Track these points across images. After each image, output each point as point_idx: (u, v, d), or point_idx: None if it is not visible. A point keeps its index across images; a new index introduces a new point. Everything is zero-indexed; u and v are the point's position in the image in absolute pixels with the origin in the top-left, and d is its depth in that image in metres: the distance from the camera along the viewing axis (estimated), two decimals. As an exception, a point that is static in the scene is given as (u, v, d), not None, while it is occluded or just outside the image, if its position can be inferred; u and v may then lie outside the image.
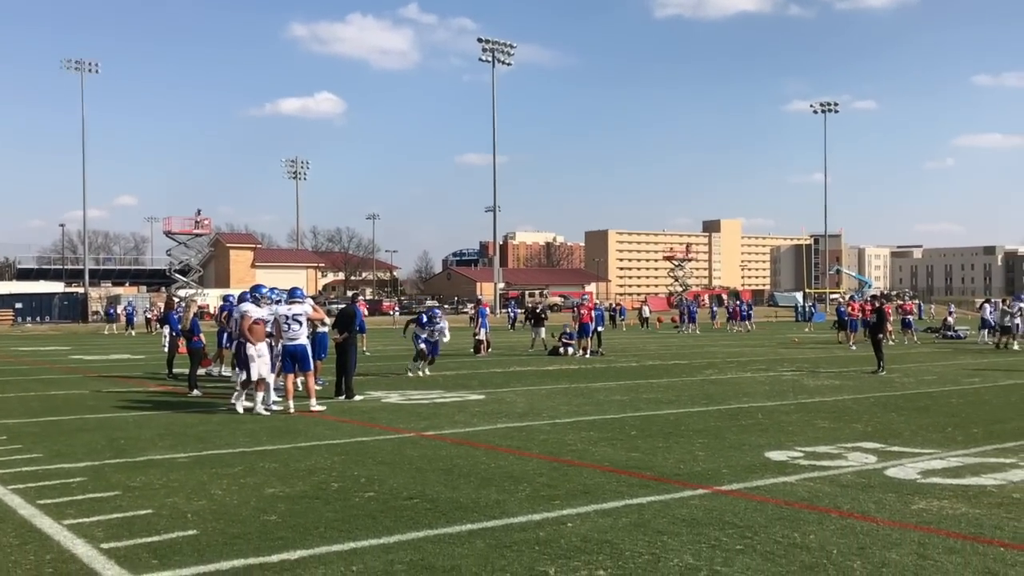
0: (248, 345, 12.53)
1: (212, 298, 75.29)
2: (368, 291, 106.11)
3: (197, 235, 79.40)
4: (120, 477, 8.00)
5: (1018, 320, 29.30)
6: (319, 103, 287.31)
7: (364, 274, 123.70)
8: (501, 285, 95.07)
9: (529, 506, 6.79)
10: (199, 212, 79.33)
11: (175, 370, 18.79)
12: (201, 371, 16.79)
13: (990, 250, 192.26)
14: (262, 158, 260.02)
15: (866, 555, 5.46)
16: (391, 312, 65.29)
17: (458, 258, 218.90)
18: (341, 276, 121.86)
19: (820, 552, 5.53)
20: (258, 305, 13.18)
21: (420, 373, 18.93)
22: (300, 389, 13.14)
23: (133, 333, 48.56)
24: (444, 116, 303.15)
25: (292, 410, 12.58)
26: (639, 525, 6.21)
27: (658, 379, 18.32)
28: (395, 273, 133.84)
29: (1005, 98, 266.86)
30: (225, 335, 17.48)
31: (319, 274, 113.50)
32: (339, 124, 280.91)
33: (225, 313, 17.72)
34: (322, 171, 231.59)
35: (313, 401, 12.78)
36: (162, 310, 29.10)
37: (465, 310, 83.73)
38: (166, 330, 20.66)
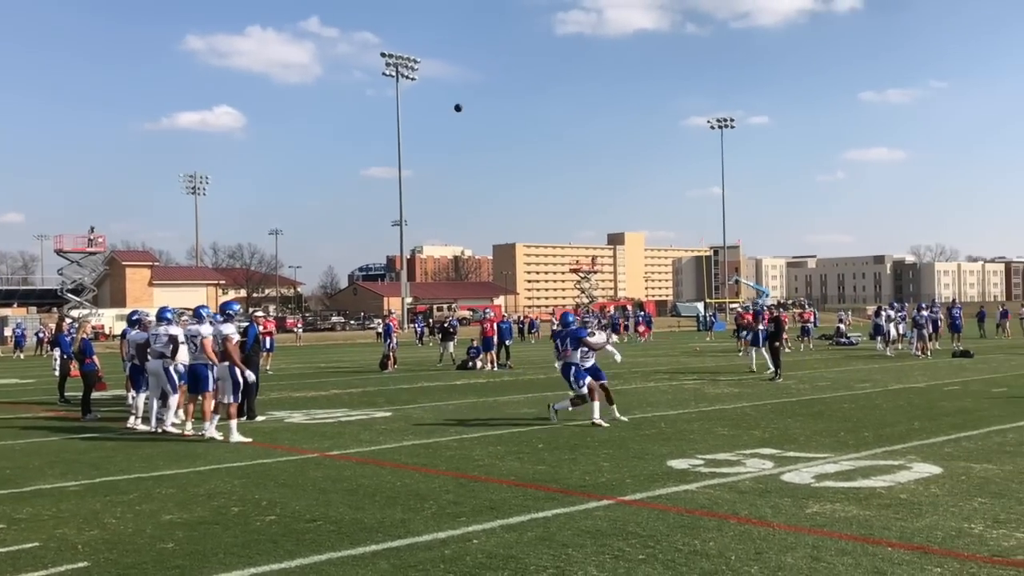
0: (236, 368, 12.03)
1: (107, 318, 72.70)
2: (271, 308, 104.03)
3: (90, 253, 76.58)
4: (5, 509, 7.63)
5: (902, 327, 30.66)
6: (218, 117, 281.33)
7: (267, 290, 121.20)
8: (409, 300, 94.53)
9: (435, 524, 6.76)
10: (92, 229, 76.60)
11: (67, 394, 18.03)
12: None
13: (879, 259, 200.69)
14: (159, 173, 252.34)
15: (763, 560, 5.62)
16: (295, 329, 64.05)
17: (364, 273, 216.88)
18: (243, 293, 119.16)
19: (719, 558, 5.66)
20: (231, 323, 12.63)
21: (599, 421, 12.44)
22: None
23: (22, 356, 46.45)
24: (348, 130, 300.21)
25: (190, 432, 12.22)
26: (544, 539, 6.24)
27: (566, 391, 18.43)
28: (299, 289, 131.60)
29: (890, 114, 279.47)
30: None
31: (220, 291, 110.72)
32: (239, 138, 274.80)
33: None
34: (222, 186, 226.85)
35: (208, 424, 12.35)
36: (53, 331, 27.93)
37: (372, 326, 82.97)
38: (57, 352, 19.82)
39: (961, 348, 28.56)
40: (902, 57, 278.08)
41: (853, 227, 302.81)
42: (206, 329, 12.50)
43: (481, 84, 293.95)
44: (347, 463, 9.81)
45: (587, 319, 14.67)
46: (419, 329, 54.80)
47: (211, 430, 11.79)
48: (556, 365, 13.42)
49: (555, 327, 15.62)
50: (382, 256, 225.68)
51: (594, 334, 13.27)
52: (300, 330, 64.12)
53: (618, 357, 14.14)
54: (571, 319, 13.82)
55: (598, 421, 12.34)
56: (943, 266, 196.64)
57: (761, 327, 23.68)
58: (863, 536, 6.15)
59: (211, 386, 12.46)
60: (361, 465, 9.64)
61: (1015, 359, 26.17)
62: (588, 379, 12.62)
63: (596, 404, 12.47)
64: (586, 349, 12.76)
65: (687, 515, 6.88)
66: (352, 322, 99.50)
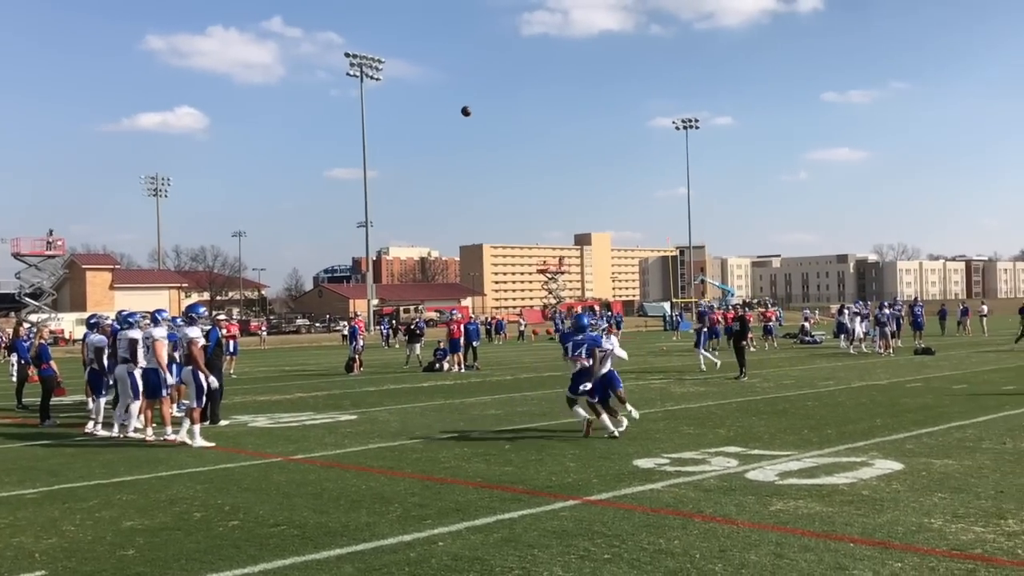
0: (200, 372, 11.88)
1: (67, 323, 71.56)
2: (235, 311, 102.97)
3: (49, 256, 75.21)
4: (-40, 518, 7.46)
5: (865, 324, 31.05)
6: (180, 118, 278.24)
7: (231, 293, 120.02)
8: (375, 301, 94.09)
9: (400, 527, 6.71)
10: (51, 232, 75.24)
11: (25, 400, 17.71)
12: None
13: (843, 258, 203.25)
14: (119, 175, 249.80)
15: (727, 557, 5.65)
16: (259, 332, 63.47)
17: (329, 275, 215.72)
18: (206, 296, 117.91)
19: (684, 557, 5.68)
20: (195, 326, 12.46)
21: (615, 428, 11.29)
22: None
23: (-21, 362, 45.61)
24: (312, 131, 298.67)
25: (151, 437, 12.05)
26: (510, 540, 6.23)
27: (532, 392, 18.50)
28: (263, 292, 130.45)
29: (851, 114, 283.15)
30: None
31: (183, 294, 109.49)
32: (201, 139, 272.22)
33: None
34: (184, 188, 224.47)
35: (168, 429, 12.19)
36: (10, 336, 27.43)
37: (338, 328, 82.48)
38: (14, 358, 19.46)
39: (923, 346, 28.97)
40: (863, 58, 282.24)
41: (817, 226, 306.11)
42: (158, 332, 12.35)
43: (446, 84, 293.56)
44: (311, 467, 9.72)
45: (596, 321, 13.04)
46: (385, 331, 54.58)
47: (182, 434, 11.62)
48: (575, 365, 11.58)
49: (564, 327, 13.33)
50: (348, 258, 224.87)
51: (609, 338, 12.38)
52: (264, 333, 63.52)
53: (624, 355, 12.88)
54: (586, 321, 12.09)
55: (614, 431, 11.14)
56: (905, 265, 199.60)
57: (704, 328, 24.59)
58: (826, 532, 6.21)
59: (165, 391, 12.25)
60: (326, 469, 9.56)
61: (976, 356, 26.61)
62: (583, 396, 11.51)
63: (606, 417, 11.31)
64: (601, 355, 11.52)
65: (652, 514, 6.91)
66: (317, 325, 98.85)
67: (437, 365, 26.98)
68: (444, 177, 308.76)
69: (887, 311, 29.79)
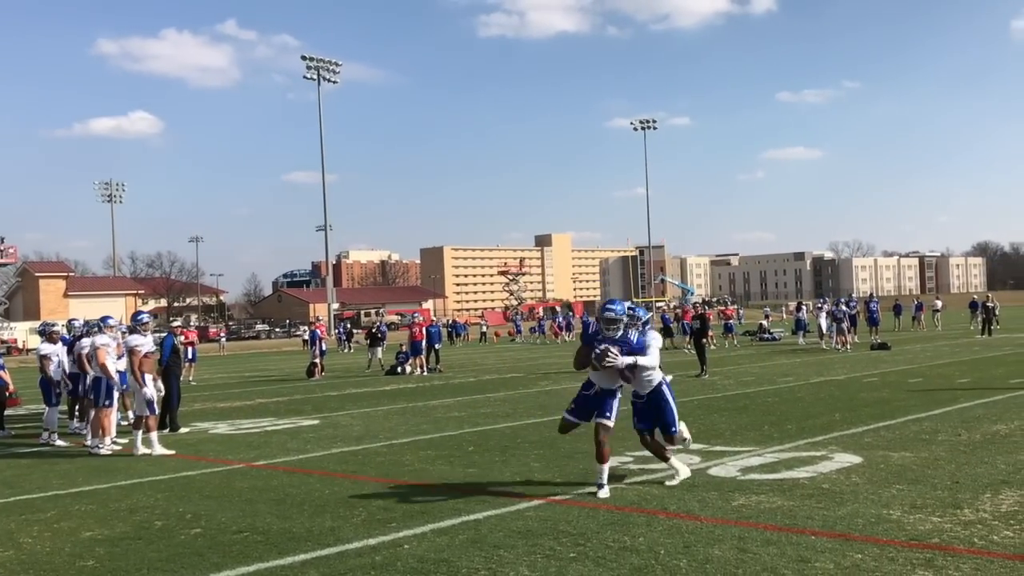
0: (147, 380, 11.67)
1: (20, 332, 70.15)
2: (193, 317, 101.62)
3: (1, 265, 73.77)
4: (-89, 533, 7.28)
5: (823, 320, 31.50)
6: (133, 122, 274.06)
7: (188, 299, 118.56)
8: (336, 306, 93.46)
9: (365, 531, 6.68)
10: (3, 240, 73.82)
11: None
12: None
13: (800, 256, 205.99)
14: (73, 181, 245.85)
15: (691, 553, 5.70)
16: (218, 338, 62.76)
17: (289, 279, 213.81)
18: (163, 303, 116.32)
19: (649, 553, 5.72)
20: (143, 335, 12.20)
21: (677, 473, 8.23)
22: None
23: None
24: (268, 134, 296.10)
25: (106, 447, 11.85)
26: (476, 541, 6.23)
27: (495, 393, 18.50)
28: (222, 297, 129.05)
29: (806, 113, 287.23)
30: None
31: (139, 301, 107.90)
32: (156, 144, 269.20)
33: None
34: (139, 193, 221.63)
35: (107, 439, 11.87)
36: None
37: (298, 333, 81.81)
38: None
39: (879, 341, 29.45)
40: (816, 58, 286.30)
41: (774, 225, 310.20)
42: (100, 340, 12.16)
43: (405, 87, 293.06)
44: (274, 472, 9.63)
45: (638, 312, 8.34)
46: (341, 335, 54.27)
47: (138, 443, 11.42)
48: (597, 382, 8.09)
49: (589, 326, 10.40)
50: (307, 262, 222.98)
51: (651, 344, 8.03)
52: (224, 339, 62.85)
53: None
54: (619, 310, 8.04)
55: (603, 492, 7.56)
56: (860, 261, 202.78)
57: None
58: (787, 526, 6.29)
59: (104, 400, 11.91)
60: (288, 474, 9.48)
61: (930, 350, 27.11)
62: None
63: (605, 468, 7.73)
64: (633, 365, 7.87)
65: (617, 512, 6.94)
66: (277, 330, 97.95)
67: (399, 368, 26.89)
68: (403, 180, 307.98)
69: (843, 307, 30.28)
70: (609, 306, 8.15)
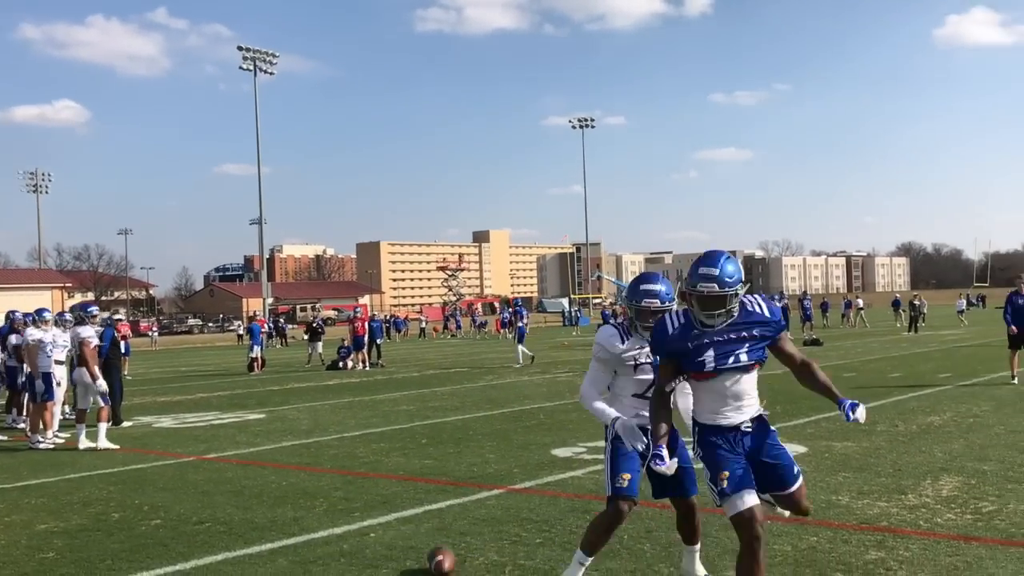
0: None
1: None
2: (122, 311, 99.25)
3: (-81, 255, 71.04)
4: None
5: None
6: (58, 111, 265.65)
7: (117, 293, 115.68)
8: (270, 300, 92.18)
9: (328, 520, 6.71)
10: (-79, 229, 71.08)
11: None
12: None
13: (731, 254, 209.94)
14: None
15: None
16: (149, 333, 61.44)
17: (221, 273, 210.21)
18: (91, 296, 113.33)
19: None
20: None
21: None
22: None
23: None
24: (200, 125, 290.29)
25: (47, 440, 11.60)
26: (441, 529, 6.31)
27: (441, 387, 18.54)
28: (152, 291, 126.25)
29: (738, 115, 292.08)
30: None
31: (65, 295, 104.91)
32: (83, 134, 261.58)
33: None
34: (66, 184, 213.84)
35: (37, 436, 11.63)
36: None
37: (232, 328, 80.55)
38: None
39: (812, 336, 30.26)
40: (748, 60, 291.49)
41: (707, 224, 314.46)
42: (30, 335, 11.91)
43: (340, 80, 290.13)
44: (227, 465, 9.57)
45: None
46: (271, 330, 53.60)
47: (82, 437, 11.20)
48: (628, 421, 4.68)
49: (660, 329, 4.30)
50: (239, 256, 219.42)
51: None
52: (155, 334, 61.58)
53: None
54: (666, 292, 4.71)
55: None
56: (790, 260, 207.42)
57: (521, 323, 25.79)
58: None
59: (45, 394, 11.65)
60: (242, 467, 9.43)
61: (860, 347, 27.96)
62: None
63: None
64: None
65: (577, 499, 7.09)
66: (211, 325, 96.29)
67: (340, 363, 26.75)
68: (339, 174, 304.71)
69: (776, 304, 31.05)
70: (649, 285, 4.65)
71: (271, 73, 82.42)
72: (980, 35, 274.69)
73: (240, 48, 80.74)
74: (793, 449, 9.08)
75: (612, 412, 4.65)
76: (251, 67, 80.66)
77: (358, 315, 27.44)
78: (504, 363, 25.66)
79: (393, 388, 18.80)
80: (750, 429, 4.22)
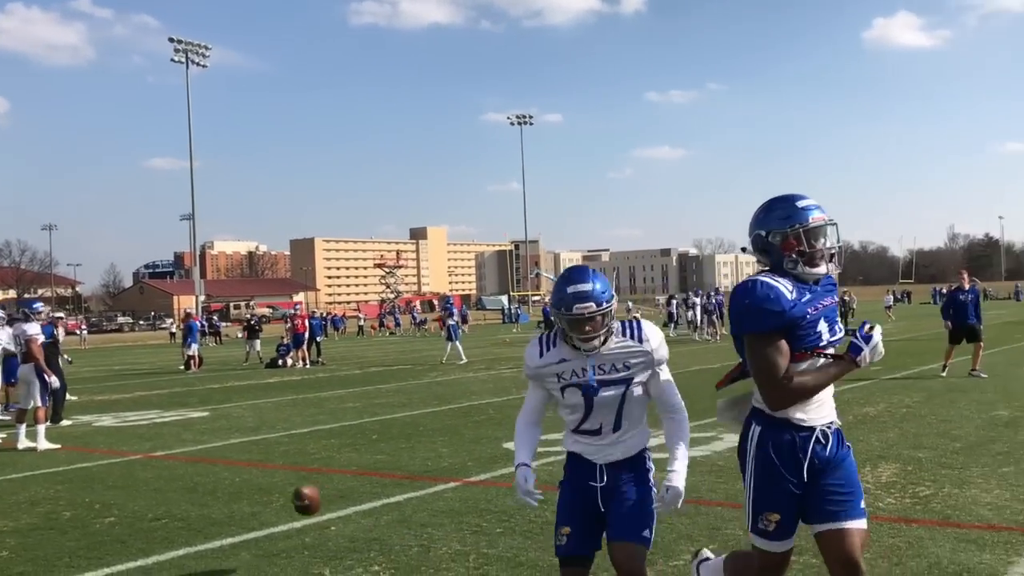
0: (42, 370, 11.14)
1: None
2: (46, 309, 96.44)
3: None
4: None
5: (692, 312, 32.90)
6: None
7: (41, 291, 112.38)
8: (202, 298, 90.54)
9: (287, 515, 6.72)
10: None
11: None
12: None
13: (666, 252, 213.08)
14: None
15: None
16: (78, 331, 59.87)
17: (151, 270, 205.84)
18: (12, 294, 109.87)
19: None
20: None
21: None
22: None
23: None
24: (127, 118, 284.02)
25: None
26: (402, 521, 6.39)
27: (386, 384, 18.54)
28: (78, 288, 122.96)
29: (672, 113, 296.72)
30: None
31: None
32: (2, 125, 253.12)
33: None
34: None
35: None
36: None
37: (164, 326, 78.97)
38: None
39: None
40: (682, 60, 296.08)
41: (642, 222, 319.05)
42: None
43: (273, 73, 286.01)
44: (176, 463, 9.48)
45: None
46: (203, 326, 52.75)
47: (21, 436, 10.96)
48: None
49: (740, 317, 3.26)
50: (169, 252, 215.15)
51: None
52: (84, 332, 60.07)
53: None
54: (599, 290, 3.47)
55: None
56: (722, 257, 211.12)
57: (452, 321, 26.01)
58: (694, 499, 6.70)
59: None
60: (192, 464, 9.35)
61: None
62: None
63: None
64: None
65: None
66: (141, 322, 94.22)
67: (280, 361, 26.50)
68: (272, 169, 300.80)
69: (713, 300, 31.69)
70: (578, 286, 3.45)
71: (204, 66, 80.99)
72: (905, 38, 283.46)
73: (172, 40, 79.18)
74: (736, 440, 9.37)
75: (520, 454, 3.77)
76: (183, 59, 79.12)
77: (298, 312, 27.17)
78: (448, 360, 25.70)
79: (337, 386, 18.73)
80: (825, 439, 3.26)
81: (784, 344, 3.15)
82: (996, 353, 19.93)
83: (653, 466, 3.95)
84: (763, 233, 3.30)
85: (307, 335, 26.49)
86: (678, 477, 3.65)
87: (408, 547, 5.69)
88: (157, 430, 12.29)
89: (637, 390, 3.71)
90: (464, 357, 24.68)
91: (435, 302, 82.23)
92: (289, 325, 27.24)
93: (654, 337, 3.66)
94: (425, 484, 7.69)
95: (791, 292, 3.18)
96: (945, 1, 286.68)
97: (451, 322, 26.37)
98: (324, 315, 59.01)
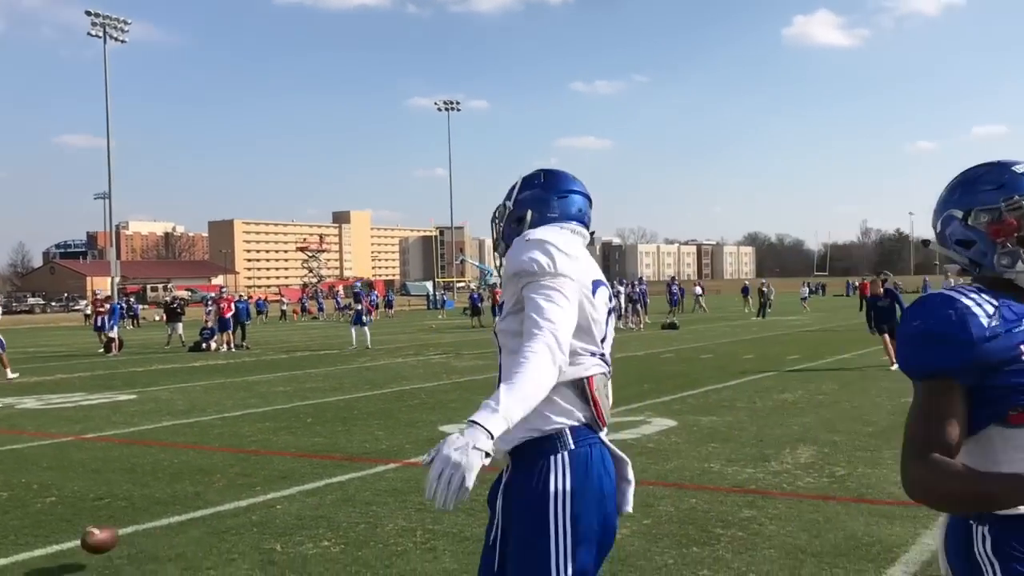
0: None
1: None
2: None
3: None
4: None
5: (615, 301, 33.50)
6: None
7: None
8: (118, 279, 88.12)
9: (232, 495, 6.83)
10: None
11: None
12: None
13: (590, 241, 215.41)
14: None
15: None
16: (-13, 312, 57.74)
17: (62, 250, 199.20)
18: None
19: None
20: None
21: None
22: None
23: None
24: (36, 93, 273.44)
25: None
26: (346, 500, 6.56)
27: (314, 369, 18.53)
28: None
29: (597, 104, 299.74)
30: None
31: None
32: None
33: None
34: None
35: None
36: None
37: (78, 307, 76.64)
38: None
39: (670, 320, 31.71)
40: (608, 51, 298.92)
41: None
42: None
43: (194, 51, 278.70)
44: (110, 444, 9.43)
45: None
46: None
47: None
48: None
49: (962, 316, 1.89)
50: (81, 232, 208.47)
51: None
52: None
53: None
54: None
55: None
56: (645, 248, 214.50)
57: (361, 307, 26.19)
58: (627, 479, 7.05)
59: None
60: (126, 446, 9.32)
61: (714, 330, 29.53)
62: None
63: None
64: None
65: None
66: (54, 304, 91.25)
67: (203, 345, 26.14)
68: (189, 149, 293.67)
69: (638, 289, 32.37)
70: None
71: (123, 41, 78.60)
72: (824, 36, 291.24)
73: (89, 13, 76.59)
74: (663, 424, 9.78)
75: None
76: (100, 33, 76.63)
77: (224, 295, 26.86)
78: (376, 346, 25.72)
79: (265, 370, 18.64)
80: None
81: (958, 398, 1.89)
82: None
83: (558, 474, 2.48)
84: (959, 215, 2.05)
85: (233, 319, 26.22)
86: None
87: (355, 524, 5.88)
88: (85, 412, 12.14)
89: None
90: (355, 344, 24.61)
91: (357, 285, 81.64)
92: (212, 308, 26.90)
93: None
94: (366, 465, 7.87)
95: (991, 315, 1.90)
96: (863, 1, 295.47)
97: (358, 307, 26.27)
98: (251, 299, 58.20)
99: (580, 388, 2.53)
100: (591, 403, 2.54)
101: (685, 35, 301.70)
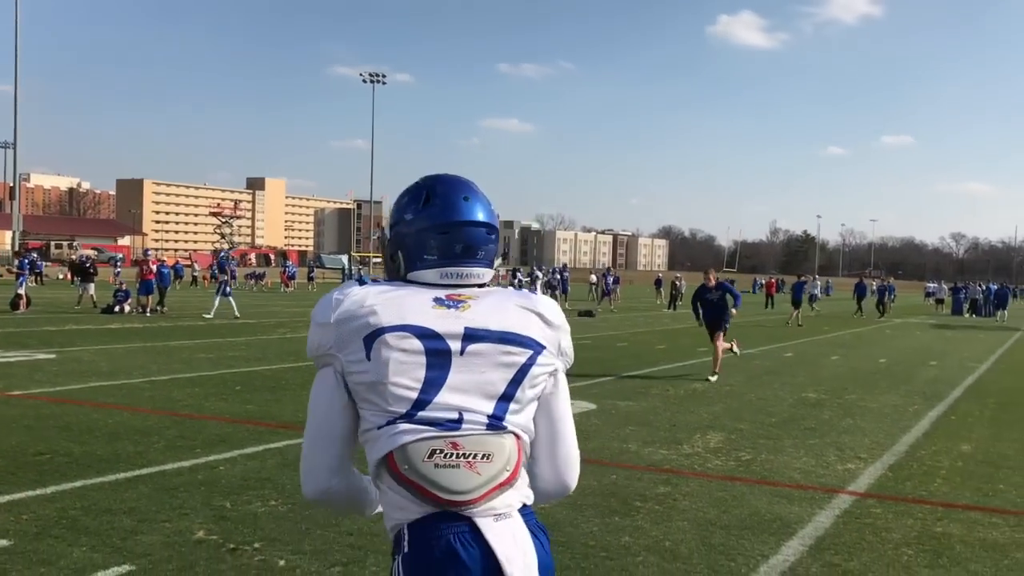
0: None
1: None
2: None
3: None
4: None
5: (534, 287, 34.18)
6: None
7: None
8: (19, 233, 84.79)
9: (172, 455, 7.07)
10: None
11: None
12: None
13: (509, 224, 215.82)
14: None
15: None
16: None
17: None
18: None
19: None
20: None
21: None
22: None
23: None
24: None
25: None
26: (287, 464, 6.87)
27: (235, 337, 18.54)
28: None
29: (523, 87, 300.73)
30: None
31: None
32: None
33: None
34: None
35: None
36: None
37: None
38: None
39: (586, 309, 32.52)
40: (536, 35, 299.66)
41: (487, 192, 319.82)
42: None
43: (109, 2, 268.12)
44: (40, 402, 9.48)
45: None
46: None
47: None
48: None
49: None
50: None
51: None
52: None
53: None
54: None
55: None
56: (563, 234, 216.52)
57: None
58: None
59: None
60: (57, 404, 9.39)
61: (628, 320, 30.41)
62: None
63: None
64: None
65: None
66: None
67: (117, 307, 25.71)
68: (97, 102, 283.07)
69: (558, 276, 33.08)
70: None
71: (37, -14, 75.39)
72: (746, 37, 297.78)
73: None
74: (583, 406, 10.32)
75: None
76: (13, -24, 73.38)
77: (150, 258, 26.44)
78: (294, 316, 25.71)
79: (183, 336, 18.57)
80: None
81: None
82: (807, 343, 22.08)
83: None
84: None
85: (155, 282, 25.88)
86: None
87: (300, 487, 6.20)
88: (5, 370, 12.04)
89: None
90: (212, 314, 24.58)
91: (271, 256, 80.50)
92: (120, 270, 26.46)
93: None
94: (300, 433, 8.14)
95: None
96: (785, 5, 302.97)
97: (224, 277, 26.47)
98: (170, 264, 56.93)
99: (390, 471, 1.91)
100: (410, 486, 1.89)
101: (612, 25, 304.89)
